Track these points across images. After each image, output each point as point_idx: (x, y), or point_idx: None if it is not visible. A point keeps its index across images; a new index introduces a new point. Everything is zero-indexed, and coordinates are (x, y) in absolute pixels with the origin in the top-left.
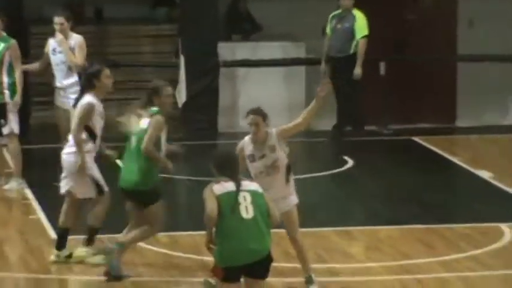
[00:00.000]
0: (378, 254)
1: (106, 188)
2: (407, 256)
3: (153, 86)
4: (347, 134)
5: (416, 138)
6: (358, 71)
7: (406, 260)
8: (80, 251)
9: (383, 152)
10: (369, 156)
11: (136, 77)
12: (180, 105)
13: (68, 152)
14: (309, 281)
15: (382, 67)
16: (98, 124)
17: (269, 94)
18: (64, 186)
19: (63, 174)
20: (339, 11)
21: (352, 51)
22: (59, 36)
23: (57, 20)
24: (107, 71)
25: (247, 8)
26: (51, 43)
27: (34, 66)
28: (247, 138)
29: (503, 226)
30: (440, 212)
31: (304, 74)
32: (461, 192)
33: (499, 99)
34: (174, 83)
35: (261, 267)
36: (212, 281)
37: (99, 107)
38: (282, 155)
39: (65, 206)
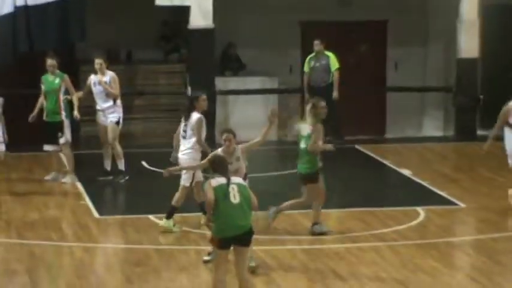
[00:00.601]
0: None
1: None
2: (351, 230)
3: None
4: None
5: (358, 146)
6: (336, 94)
7: (349, 233)
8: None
9: (336, 156)
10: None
11: (156, 101)
12: None
13: (184, 153)
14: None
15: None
16: (204, 131)
17: (251, 114)
18: (187, 179)
19: (183, 172)
20: (314, 54)
21: (330, 80)
22: (100, 76)
23: (97, 61)
24: (203, 96)
25: (236, 52)
26: (93, 78)
27: (79, 94)
28: (220, 149)
29: (419, 209)
30: (374, 198)
31: (276, 100)
32: (389, 185)
33: (416, 118)
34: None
35: (245, 237)
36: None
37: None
38: (243, 165)
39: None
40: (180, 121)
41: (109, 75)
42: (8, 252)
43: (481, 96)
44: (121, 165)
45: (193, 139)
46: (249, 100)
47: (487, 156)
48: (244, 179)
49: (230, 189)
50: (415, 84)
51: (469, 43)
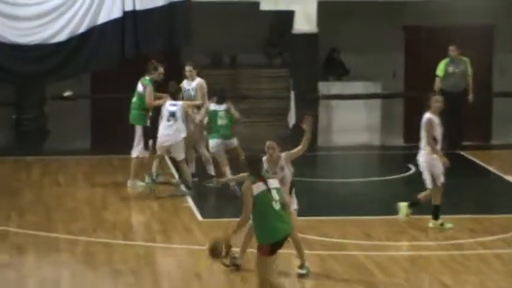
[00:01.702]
0: None
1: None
2: (455, 237)
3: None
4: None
5: (463, 152)
6: (471, 98)
7: (453, 240)
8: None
9: None
10: None
11: (260, 105)
12: (290, 126)
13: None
14: (301, 267)
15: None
16: (436, 132)
17: (354, 119)
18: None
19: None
20: (449, 59)
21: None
22: (188, 83)
23: (187, 68)
24: (436, 97)
25: (340, 57)
26: (185, 84)
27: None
28: (264, 157)
29: None
30: (479, 205)
31: (379, 105)
32: (494, 192)
33: None
34: (287, 111)
35: (284, 241)
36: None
37: (436, 119)
38: (288, 173)
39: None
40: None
41: (196, 82)
42: (113, 252)
43: None
44: (210, 170)
45: None
46: (351, 105)
47: None
48: (291, 187)
49: (271, 196)
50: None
51: None
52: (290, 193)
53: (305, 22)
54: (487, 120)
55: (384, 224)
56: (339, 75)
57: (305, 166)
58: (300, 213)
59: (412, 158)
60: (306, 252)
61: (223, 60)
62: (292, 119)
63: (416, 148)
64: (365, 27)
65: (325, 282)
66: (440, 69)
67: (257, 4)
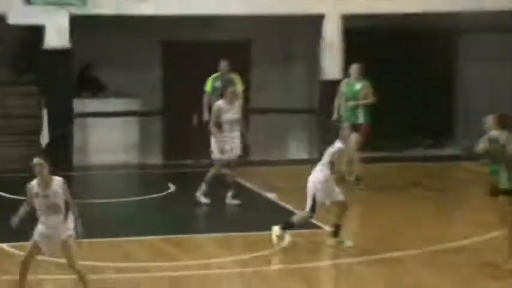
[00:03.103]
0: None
1: None
2: (215, 256)
3: None
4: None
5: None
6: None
7: (214, 259)
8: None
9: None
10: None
11: (8, 124)
12: (43, 146)
13: None
14: None
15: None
16: None
17: (110, 137)
18: None
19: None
20: (219, 73)
21: None
22: None
23: None
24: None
25: (95, 73)
26: None
27: None
28: (34, 181)
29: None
30: (239, 223)
31: (138, 122)
32: (254, 208)
33: (280, 140)
34: (39, 130)
35: None
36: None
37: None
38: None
39: None
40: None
41: None
42: None
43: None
44: None
45: None
46: (108, 123)
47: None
48: (67, 212)
49: None
50: (279, 106)
51: (331, 65)
52: (65, 218)
53: (57, 37)
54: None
55: (143, 244)
56: (94, 92)
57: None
58: None
59: (171, 176)
60: (61, 277)
61: None
62: (45, 138)
63: (175, 166)
64: (122, 42)
65: None
66: (208, 85)
67: (3, 17)
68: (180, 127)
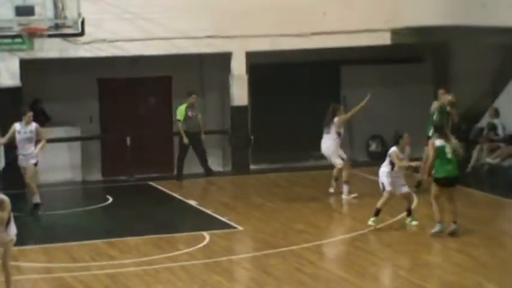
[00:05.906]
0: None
1: None
2: (147, 254)
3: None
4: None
5: (151, 182)
6: (203, 136)
7: (146, 257)
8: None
9: (131, 192)
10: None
11: None
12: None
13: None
14: None
15: (129, 140)
16: None
17: (57, 159)
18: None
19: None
20: (188, 104)
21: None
22: None
23: None
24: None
25: (42, 106)
26: None
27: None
28: None
29: (205, 233)
30: (166, 226)
31: (79, 146)
32: (179, 214)
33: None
34: None
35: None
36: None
37: None
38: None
39: None
40: None
41: None
42: None
43: (252, 137)
44: None
45: None
46: (55, 147)
47: (257, 186)
48: (8, 223)
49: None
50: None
51: (239, 93)
52: (8, 224)
53: (9, 77)
54: (171, 154)
55: (87, 247)
56: (42, 122)
57: (15, 203)
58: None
59: (109, 190)
60: (19, 277)
61: None
62: (1, 163)
63: (113, 181)
64: (65, 80)
65: None
66: (180, 114)
67: None
68: (115, 148)
